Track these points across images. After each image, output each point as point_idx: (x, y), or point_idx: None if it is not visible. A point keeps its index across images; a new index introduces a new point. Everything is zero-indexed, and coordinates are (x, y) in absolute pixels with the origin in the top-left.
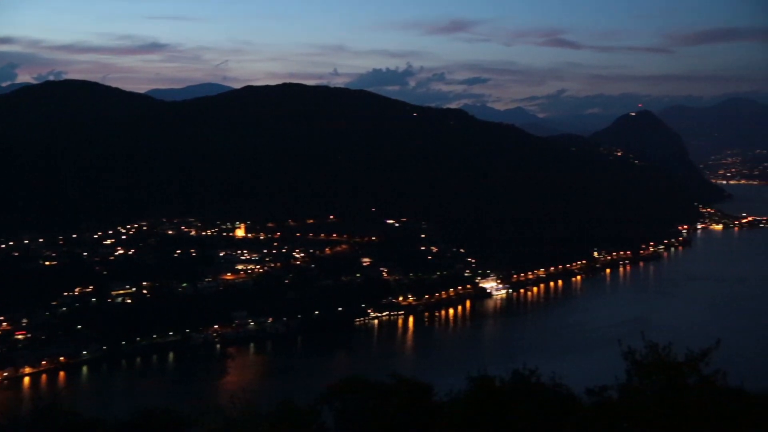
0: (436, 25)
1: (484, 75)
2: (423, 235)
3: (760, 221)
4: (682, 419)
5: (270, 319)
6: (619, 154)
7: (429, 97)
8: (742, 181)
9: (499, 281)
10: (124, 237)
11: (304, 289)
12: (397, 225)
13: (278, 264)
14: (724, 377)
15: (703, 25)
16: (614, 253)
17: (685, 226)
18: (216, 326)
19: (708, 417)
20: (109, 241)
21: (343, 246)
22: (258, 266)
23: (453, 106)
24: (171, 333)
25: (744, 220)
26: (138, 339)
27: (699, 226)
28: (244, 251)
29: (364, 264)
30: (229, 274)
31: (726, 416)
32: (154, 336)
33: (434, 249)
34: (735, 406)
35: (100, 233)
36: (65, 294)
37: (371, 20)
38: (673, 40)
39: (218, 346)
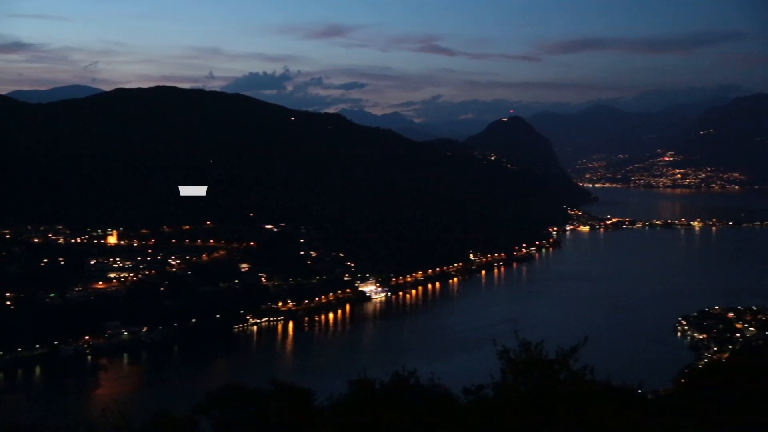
0: (314, 29)
1: (361, 80)
2: (302, 240)
3: (623, 223)
4: (554, 414)
5: (145, 328)
6: (492, 158)
7: (307, 102)
8: (607, 185)
9: (378, 285)
10: None
11: (181, 297)
12: (275, 230)
13: (153, 271)
14: (592, 372)
15: (570, 35)
16: (489, 255)
17: (555, 228)
18: (87, 337)
19: (578, 411)
20: None
21: (221, 252)
22: (132, 274)
23: (331, 110)
24: (38, 346)
25: (609, 222)
26: (0, 353)
27: (568, 228)
28: (117, 259)
29: (243, 270)
30: (100, 282)
31: (594, 409)
32: (19, 349)
33: (313, 254)
34: (602, 400)
35: None
36: None
37: (248, 23)
38: (542, 48)
39: (90, 357)
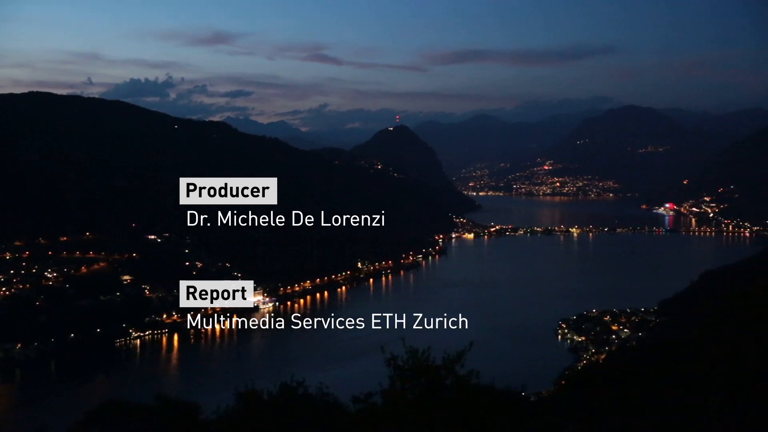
0: (197, 36)
1: (247, 88)
2: (187, 251)
3: (506, 229)
4: (439, 418)
5: (19, 345)
6: (379, 167)
7: (191, 110)
8: (490, 193)
9: (265, 294)
10: None
11: (58, 311)
12: (159, 241)
13: (28, 285)
14: (478, 376)
15: (454, 46)
16: (377, 264)
17: (441, 236)
18: None
19: (462, 414)
20: None
21: (102, 264)
22: (4, 288)
23: (216, 118)
24: None
25: (492, 229)
26: None
27: (453, 235)
28: None
29: (125, 282)
30: None
31: (478, 412)
32: None
33: (199, 264)
34: (486, 403)
35: None
36: None
37: (128, 28)
38: (427, 59)
39: None
